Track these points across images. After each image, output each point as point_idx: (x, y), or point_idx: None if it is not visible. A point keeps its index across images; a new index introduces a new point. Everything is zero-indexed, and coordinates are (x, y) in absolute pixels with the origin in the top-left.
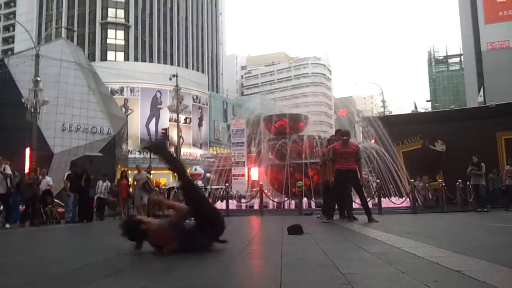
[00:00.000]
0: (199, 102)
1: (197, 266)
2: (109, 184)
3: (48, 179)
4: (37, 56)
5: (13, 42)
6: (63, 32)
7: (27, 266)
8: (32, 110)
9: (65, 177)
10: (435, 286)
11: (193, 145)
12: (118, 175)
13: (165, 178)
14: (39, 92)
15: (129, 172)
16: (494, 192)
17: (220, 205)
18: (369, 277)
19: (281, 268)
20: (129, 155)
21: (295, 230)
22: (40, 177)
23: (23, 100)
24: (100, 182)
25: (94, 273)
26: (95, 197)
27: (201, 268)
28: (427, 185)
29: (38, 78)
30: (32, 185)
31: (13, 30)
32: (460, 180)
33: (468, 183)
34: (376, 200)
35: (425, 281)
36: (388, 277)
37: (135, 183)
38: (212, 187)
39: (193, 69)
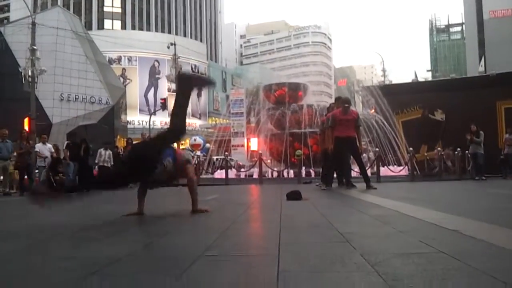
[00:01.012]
0: (198, 71)
1: (194, 228)
2: (111, 152)
3: (48, 145)
4: (33, 24)
5: (8, 10)
6: None
7: (25, 230)
8: (30, 79)
9: (64, 146)
10: (433, 244)
11: (192, 115)
12: (121, 144)
13: None
14: (36, 61)
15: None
16: None
17: (220, 173)
18: (367, 236)
19: (280, 229)
20: (128, 126)
21: (294, 195)
22: (40, 144)
23: (20, 70)
24: (102, 151)
25: (93, 235)
26: (96, 166)
27: (198, 230)
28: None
29: (35, 47)
30: (23, 155)
31: None
32: (458, 149)
33: (466, 151)
34: (375, 168)
35: (423, 239)
36: (386, 236)
37: None
38: (213, 157)
39: (191, 38)
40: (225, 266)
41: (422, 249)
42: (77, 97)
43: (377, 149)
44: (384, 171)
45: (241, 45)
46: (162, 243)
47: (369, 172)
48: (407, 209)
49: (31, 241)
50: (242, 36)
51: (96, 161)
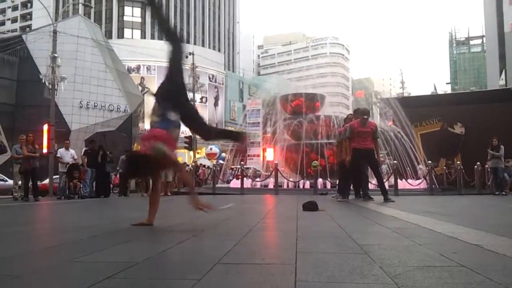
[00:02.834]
0: (215, 81)
1: (211, 236)
2: None
3: (71, 151)
4: (55, 32)
5: (30, 18)
6: (80, 8)
7: (45, 233)
8: (50, 86)
9: (82, 153)
10: (454, 257)
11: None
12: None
13: (180, 157)
14: (57, 69)
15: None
16: None
17: (235, 183)
18: (386, 248)
19: (297, 239)
20: None
21: (310, 206)
22: (62, 149)
23: (41, 77)
24: (124, 158)
25: (113, 239)
26: (117, 172)
27: (215, 237)
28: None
29: (56, 55)
30: (28, 158)
31: (31, 6)
32: (478, 163)
33: (486, 166)
34: (393, 181)
35: (443, 252)
36: (405, 249)
37: None
38: (232, 167)
39: (209, 47)
40: (242, 273)
41: (442, 262)
42: (96, 104)
43: (395, 161)
44: (402, 184)
45: (258, 56)
46: (179, 249)
47: (386, 184)
48: (426, 223)
49: (49, 244)
50: (259, 47)
51: (118, 168)
